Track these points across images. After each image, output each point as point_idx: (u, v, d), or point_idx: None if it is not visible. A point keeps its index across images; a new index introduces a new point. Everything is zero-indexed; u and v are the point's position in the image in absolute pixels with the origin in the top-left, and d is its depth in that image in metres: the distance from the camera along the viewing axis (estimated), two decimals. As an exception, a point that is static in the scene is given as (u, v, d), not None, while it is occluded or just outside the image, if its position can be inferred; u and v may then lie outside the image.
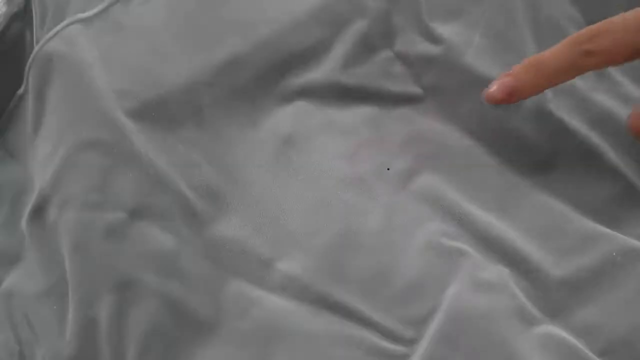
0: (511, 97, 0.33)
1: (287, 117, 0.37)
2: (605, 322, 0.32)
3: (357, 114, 0.37)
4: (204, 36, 0.36)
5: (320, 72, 0.37)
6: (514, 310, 0.32)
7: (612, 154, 0.35)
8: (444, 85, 0.38)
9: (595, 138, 0.36)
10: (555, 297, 0.33)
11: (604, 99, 0.37)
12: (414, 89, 0.38)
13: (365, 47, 0.38)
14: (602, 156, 0.35)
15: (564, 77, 0.33)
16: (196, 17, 0.37)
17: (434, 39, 0.38)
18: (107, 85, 0.34)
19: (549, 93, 0.36)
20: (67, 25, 0.36)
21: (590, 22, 0.39)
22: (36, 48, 0.36)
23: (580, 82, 0.37)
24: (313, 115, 0.37)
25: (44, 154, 0.35)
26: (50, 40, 0.36)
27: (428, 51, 0.38)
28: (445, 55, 0.37)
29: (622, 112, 0.36)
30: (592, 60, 0.32)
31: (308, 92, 0.37)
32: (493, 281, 0.32)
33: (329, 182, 0.35)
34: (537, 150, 0.36)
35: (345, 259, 0.33)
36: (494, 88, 0.34)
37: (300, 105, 0.37)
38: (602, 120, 0.36)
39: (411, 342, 0.31)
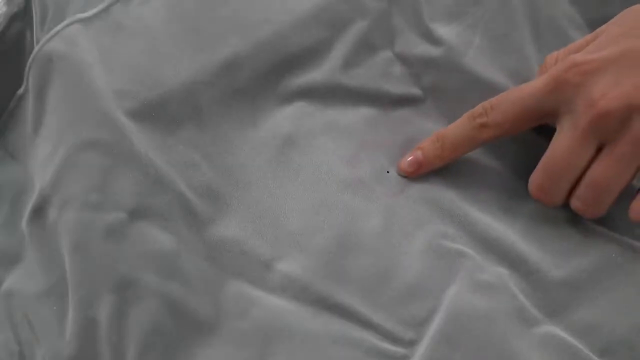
0: (419, 170, 0.36)
1: (287, 117, 0.37)
2: (605, 322, 0.32)
3: (357, 115, 0.37)
4: (203, 36, 0.36)
5: (320, 73, 0.37)
6: (514, 311, 0.32)
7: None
8: (444, 86, 0.38)
9: None
10: (554, 297, 0.33)
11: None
12: (414, 90, 0.38)
13: (366, 48, 0.38)
14: None
15: (465, 149, 0.35)
16: (196, 17, 0.37)
17: (434, 40, 0.38)
18: (107, 85, 0.34)
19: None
20: (67, 25, 0.36)
21: (590, 22, 0.39)
22: (36, 48, 0.36)
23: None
24: (313, 116, 0.37)
25: (44, 154, 0.35)
26: (50, 40, 0.36)
27: (428, 52, 0.38)
28: (445, 57, 0.37)
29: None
30: (487, 132, 0.34)
31: (308, 93, 0.37)
32: (493, 282, 0.32)
33: (329, 184, 0.35)
34: (536, 151, 0.36)
35: (345, 260, 0.33)
36: (405, 162, 0.36)
37: (300, 106, 0.37)
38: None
39: (411, 344, 0.31)
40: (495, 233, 0.34)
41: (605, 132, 0.31)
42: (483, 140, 0.35)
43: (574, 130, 0.32)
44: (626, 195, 0.33)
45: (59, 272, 0.33)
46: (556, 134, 0.33)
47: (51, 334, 0.32)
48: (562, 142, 0.32)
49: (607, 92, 0.31)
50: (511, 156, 0.37)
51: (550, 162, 0.33)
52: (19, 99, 0.37)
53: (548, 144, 0.34)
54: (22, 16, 0.38)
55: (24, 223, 0.35)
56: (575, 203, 0.33)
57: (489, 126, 0.34)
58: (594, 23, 0.38)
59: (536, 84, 0.33)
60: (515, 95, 0.34)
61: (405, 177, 0.36)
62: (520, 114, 0.34)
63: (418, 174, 0.36)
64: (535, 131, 0.36)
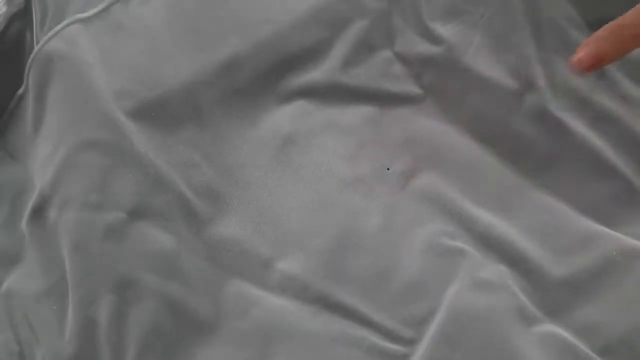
0: (598, 64, 0.31)
1: (287, 117, 0.37)
2: (605, 322, 0.32)
3: (357, 114, 0.37)
4: (204, 36, 0.36)
5: (320, 72, 0.37)
6: (514, 310, 0.32)
7: (611, 154, 0.35)
8: (444, 85, 0.38)
9: (595, 138, 0.36)
10: (555, 296, 0.33)
11: (603, 99, 0.37)
12: (414, 89, 0.38)
13: (366, 48, 0.38)
14: (601, 156, 0.35)
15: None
16: (196, 17, 0.37)
17: (434, 39, 0.38)
18: (107, 85, 0.34)
19: (548, 93, 0.36)
20: (67, 25, 0.36)
21: (590, 22, 0.39)
22: (36, 48, 0.36)
23: (580, 82, 0.37)
24: (313, 115, 0.37)
25: (44, 154, 0.35)
26: (50, 40, 0.36)
27: (428, 51, 0.38)
28: (445, 56, 0.37)
29: (622, 112, 0.36)
30: None
31: (308, 92, 0.37)
32: (493, 281, 0.32)
33: (329, 183, 0.35)
34: (537, 150, 0.36)
35: (345, 259, 0.33)
36: (581, 55, 0.31)
37: (301, 105, 0.37)
38: (602, 120, 0.36)
39: (411, 342, 0.31)
40: (495, 231, 0.34)
41: None
42: None
43: None
44: (627, 195, 0.33)
45: (59, 272, 0.33)
46: None
47: (51, 334, 0.33)
48: None
49: None
50: (512, 153, 0.37)
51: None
52: (19, 99, 0.37)
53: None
54: (22, 16, 0.38)
55: (24, 223, 0.35)
56: None
57: None
58: (594, 23, 0.38)
59: None
60: None
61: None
62: None
63: (594, 69, 0.31)
64: (537, 127, 0.36)
